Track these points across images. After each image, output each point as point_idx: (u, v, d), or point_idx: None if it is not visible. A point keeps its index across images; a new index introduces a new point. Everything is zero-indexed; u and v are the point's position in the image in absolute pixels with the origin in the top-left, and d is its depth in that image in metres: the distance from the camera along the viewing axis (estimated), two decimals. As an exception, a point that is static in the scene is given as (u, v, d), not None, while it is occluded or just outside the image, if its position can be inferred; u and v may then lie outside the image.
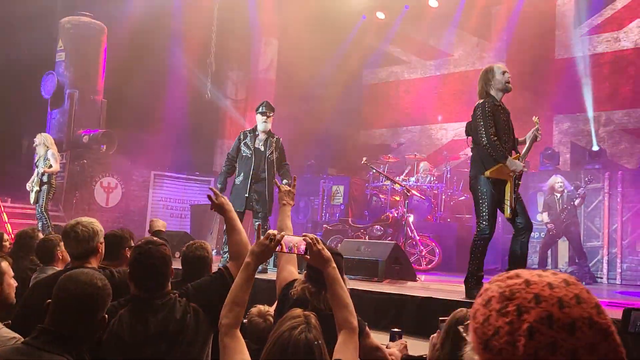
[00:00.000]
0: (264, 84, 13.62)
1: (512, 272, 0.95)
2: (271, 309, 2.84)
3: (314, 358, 1.77)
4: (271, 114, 6.85)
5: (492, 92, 4.84)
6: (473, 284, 4.69)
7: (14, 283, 2.54)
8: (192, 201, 12.22)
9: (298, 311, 1.95)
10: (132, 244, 3.69)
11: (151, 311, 2.44)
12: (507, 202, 4.70)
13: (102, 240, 3.11)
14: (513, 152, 4.91)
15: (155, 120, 12.90)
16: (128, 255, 3.61)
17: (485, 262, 8.75)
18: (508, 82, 4.85)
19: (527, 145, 4.98)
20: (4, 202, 9.94)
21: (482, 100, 4.85)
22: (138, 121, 12.68)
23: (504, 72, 4.85)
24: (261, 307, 2.90)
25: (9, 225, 9.50)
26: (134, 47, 12.16)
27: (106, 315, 2.13)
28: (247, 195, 6.66)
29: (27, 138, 12.67)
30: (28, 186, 8.48)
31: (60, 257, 3.63)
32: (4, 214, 9.62)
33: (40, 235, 4.25)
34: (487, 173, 4.74)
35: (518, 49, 11.50)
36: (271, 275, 5.81)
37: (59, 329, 2.02)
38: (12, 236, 8.13)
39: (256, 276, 5.61)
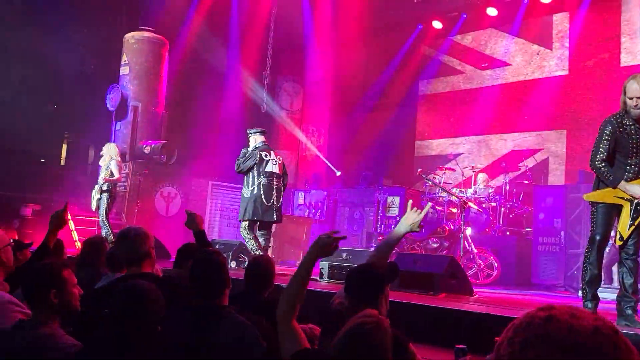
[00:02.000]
0: (319, 95, 13.71)
1: (548, 305, 0.92)
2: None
3: (377, 354, 1.80)
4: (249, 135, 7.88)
5: (628, 109, 4.26)
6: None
7: (77, 291, 2.60)
8: (248, 211, 12.37)
9: (373, 312, 1.98)
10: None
11: (200, 319, 2.45)
12: (619, 228, 4.27)
13: (152, 244, 3.21)
14: None
15: (213, 131, 13.20)
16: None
17: (546, 277, 8.49)
18: (635, 108, 4.16)
19: None
20: (71, 210, 10.37)
21: (610, 116, 4.33)
22: (197, 132, 13.02)
23: (631, 97, 4.17)
24: None
25: (75, 232, 9.91)
26: (193, 61, 12.54)
27: (159, 327, 2.18)
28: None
29: (93, 148, 13.24)
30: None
31: None
32: (71, 221, 10.03)
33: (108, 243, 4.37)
34: (584, 196, 4.49)
35: (581, 57, 11.11)
36: (315, 285, 5.81)
37: (114, 338, 2.07)
38: (79, 244, 8.47)
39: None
